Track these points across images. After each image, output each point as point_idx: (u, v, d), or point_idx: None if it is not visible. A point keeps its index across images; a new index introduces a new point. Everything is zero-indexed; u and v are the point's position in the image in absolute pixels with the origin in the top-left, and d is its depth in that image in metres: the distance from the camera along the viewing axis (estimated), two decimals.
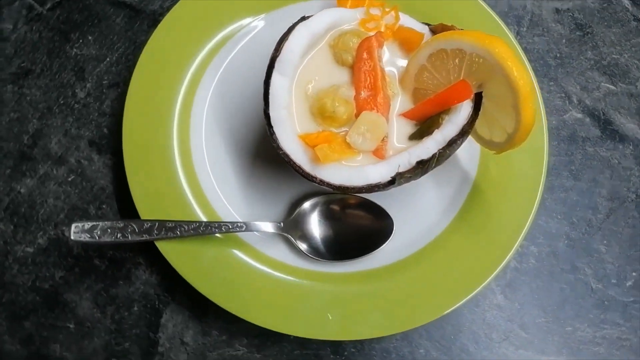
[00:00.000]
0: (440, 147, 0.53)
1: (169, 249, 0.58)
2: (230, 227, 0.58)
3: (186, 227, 0.58)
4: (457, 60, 0.54)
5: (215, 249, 0.59)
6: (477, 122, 0.58)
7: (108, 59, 0.70)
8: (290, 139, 0.55)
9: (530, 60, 0.72)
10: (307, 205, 0.61)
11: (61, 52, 0.70)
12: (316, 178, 0.54)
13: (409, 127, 0.59)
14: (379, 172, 0.54)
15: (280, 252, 0.61)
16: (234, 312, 0.57)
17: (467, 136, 0.55)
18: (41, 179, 0.65)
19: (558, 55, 0.74)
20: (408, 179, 0.53)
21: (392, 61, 0.60)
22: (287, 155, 0.55)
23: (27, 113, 0.67)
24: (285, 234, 0.60)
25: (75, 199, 0.64)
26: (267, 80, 0.56)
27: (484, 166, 0.65)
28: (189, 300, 0.60)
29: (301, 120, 0.58)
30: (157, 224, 0.58)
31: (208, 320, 0.61)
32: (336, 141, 0.56)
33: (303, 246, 0.60)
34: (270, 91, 0.55)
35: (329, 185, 0.54)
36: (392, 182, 0.53)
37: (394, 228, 0.61)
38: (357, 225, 0.61)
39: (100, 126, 0.67)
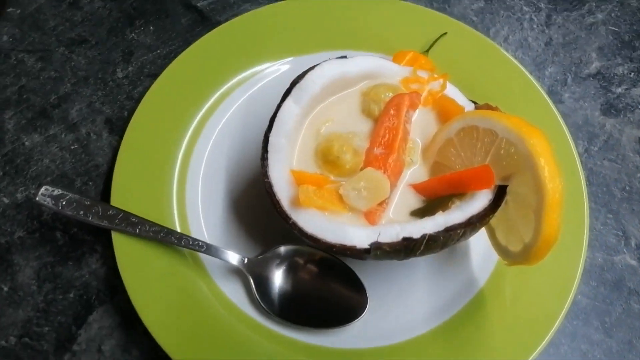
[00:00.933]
0: (435, 231, 0.44)
1: (122, 243, 0.54)
2: (191, 242, 0.53)
3: (147, 228, 0.53)
4: (486, 142, 0.46)
5: (167, 262, 0.54)
6: (496, 223, 0.49)
7: (158, 51, 0.71)
8: (280, 170, 0.50)
9: (590, 184, 0.63)
10: (281, 250, 0.54)
11: (120, 32, 0.72)
12: (290, 218, 0.48)
13: (414, 202, 0.51)
14: (359, 236, 0.46)
15: (235, 291, 0.54)
16: (155, 337, 0.50)
17: (474, 231, 0.46)
18: (48, 138, 0.64)
19: (627, 188, 0.63)
20: (387, 254, 0.45)
21: (422, 129, 0.54)
22: (270, 185, 0.49)
23: (65, 76, 0.68)
24: (246, 272, 0.53)
25: (68, 167, 0.63)
26: (279, 104, 0.52)
27: (497, 278, 0.55)
28: (125, 308, 0.55)
29: (302, 157, 0.53)
30: (122, 214, 0.54)
31: (134, 335, 0.54)
32: (327, 189, 0.50)
33: (260, 293, 0.52)
34: (278, 115, 0.51)
35: (300, 231, 0.47)
36: (367, 251, 0.45)
37: (367, 308, 0.52)
38: (326, 292, 0.53)
39: (124, 108, 0.66)
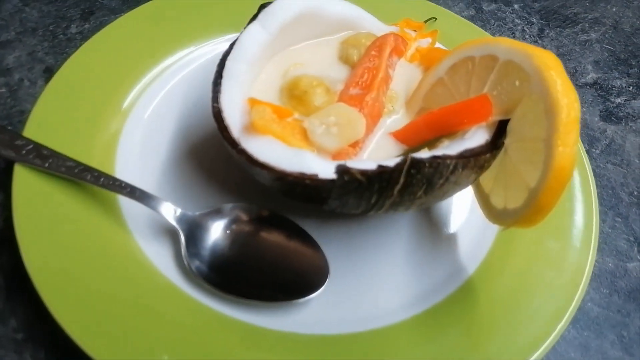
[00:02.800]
0: (419, 157, 0.35)
1: (24, 179, 0.42)
2: (112, 182, 0.42)
3: (60, 163, 0.43)
4: (483, 73, 0.39)
5: (76, 207, 0.42)
6: (490, 186, 0.40)
7: (122, 14, 0.64)
8: (233, 97, 0.41)
9: (598, 185, 0.54)
10: (225, 207, 0.43)
11: None
12: (238, 146, 0.38)
13: (393, 152, 0.42)
14: (322, 167, 0.36)
15: (160, 253, 0.42)
16: (47, 304, 0.37)
17: (466, 173, 0.37)
18: None
19: (635, 193, 0.55)
20: (355, 190, 0.35)
21: (407, 83, 0.47)
22: (218, 111, 0.40)
23: (11, 25, 0.61)
24: (176, 226, 0.41)
25: None
26: (244, 27, 0.44)
27: (489, 270, 0.44)
28: (12, 264, 0.42)
29: (263, 92, 0.44)
30: (32, 145, 0.44)
31: (16, 301, 0.41)
32: (288, 122, 0.41)
33: (193, 257, 0.41)
34: (240, 38, 0.43)
35: (249, 158, 0.37)
36: (332, 182, 0.35)
37: (327, 280, 0.40)
38: (275, 257, 0.41)
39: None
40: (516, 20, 0.72)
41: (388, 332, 0.40)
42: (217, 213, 0.43)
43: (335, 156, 0.40)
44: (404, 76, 0.47)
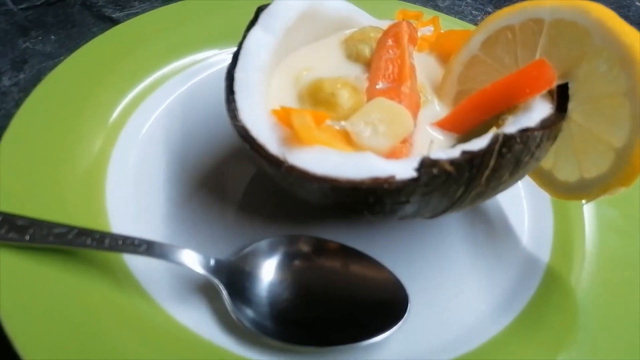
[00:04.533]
0: (500, 134, 0.30)
1: (4, 264, 0.32)
2: (121, 242, 0.33)
3: (46, 231, 0.33)
4: (529, 39, 0.35)
5: (81, 285, 0.33)
6: (552, 162, 0.37)
7: (62, 58, 0.55)
8: (254, 111, 0.34)
9: None
10: (263, 244, 0.36)
11: (10, 43, 0.56)
12: (284, 163, 0.31)
13: (444, 143, 0.37)
14: (394, 166, 0.30)
15: (199, 315, 0.34)
16: None
17: (548, 142, 0.33)
18: None
19: None
20: (444, 182, 0.30)
21: (426, 72, 0.42)
22: (245, 129, 0.33)
23: None
24: (215, 280, 0.33)
25: None
26: (244, 34, 0.38)
27: (562, 244, 0.40)
28: None
29: (278, 102, 0.38)
30: (1, 217, 0.34)
31: None
32: (327, 128, 0.35)
33: (244, 310, 0.33)
34: (245, 46, 0.37)
35: (303, 174, 0.30)
36: (415, 180, 0.29)
37: (409, 307, 0.34)
38: (345, 291, 0.35)
39: (10, 116, 0.48)
40: (474, 12, 0.72)
41: (486, 351, 0.34)
42: (257, 252, 0.35)
43: (389, 156, 0.34)
44: (419, 66, 0.43)
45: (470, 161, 0.29)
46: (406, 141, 0.35)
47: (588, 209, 0.44)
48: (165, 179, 0.42)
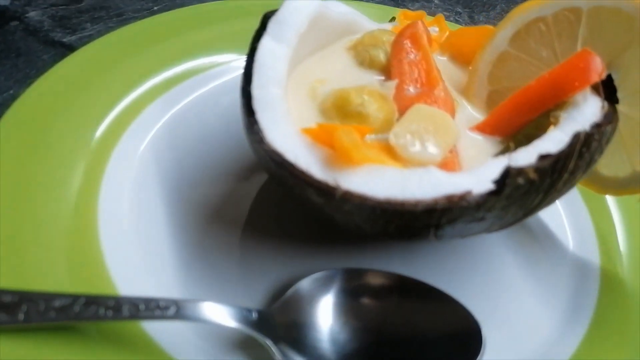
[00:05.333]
0: (581, 132, 0.27)
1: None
2: (145, 307, 0.27)
3: (43, 306, 0.26)
4: (567, 29, 0.33)
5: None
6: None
7: (11, 92, 0.47)
8: (284, 131, 0.29)
9: None
10: (305, 284, 0.31)
11: None
12: (337, 189, 0.26)
13: (488, 147, 0.34)
14: (463, 180, 0.27)
15: None
16: None
17: (612, 135, 0.30)
18: None
19: None
20: (527, 191, 0.26)
21: (443, 74, 0.39)
22: (277, 155, 0.28)
23: None
24: (262, 337, 0.28)
25: None
26: (252, 45, 0.33)
27: (605, 240, 0.38)
28: None
29: (299, 120, 0.33)
30: None
31: None
32: (369, 144, 0.31)
33: None
34: (258, 59, 0.32)
35: (364, 201, 0.26)
36: (497, 192, 0.26)
37: (484, 342, 0.30)
38: (413, 328, 0.30)
39: None
40: (445, 12, 0.71)
41: None
42: (301, 295, 0.30)
43: (442, 166, 0.30)
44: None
45: (554, 166, 0.26)
46: (452, 150, 0.32)
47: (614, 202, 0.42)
48: (168, 217, 0.36)
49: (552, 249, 0.38)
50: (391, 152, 0.30)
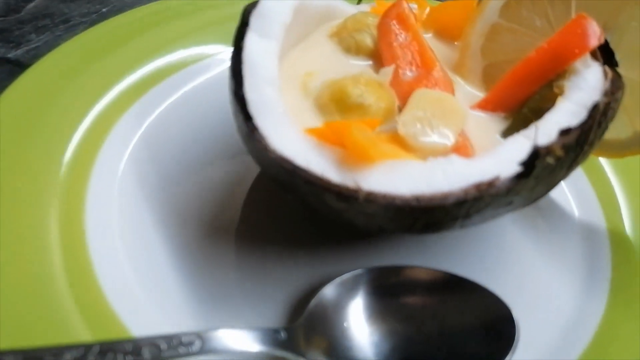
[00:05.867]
0: (599, 102, 0.27)
1: None
2: (166, 347, 0.24)
3: None
4: None
5: None
6: None
7: None
8: (287, 134, 0.27)
9: None
10: (329, 291, 0.29)
11: None
12: (360, 191, 0.25)
13: (493, 124, 0.33)
14: (486, 165, 0.26)
15: None
16: None
17: (620, 102, 0.30)
18: None
19: None
20: (553, 169, 0.26)
21: None
22: (286, 161, 0.26)
23: None
24: (293, 356, 0.26)
25: None
26: (236, 44, 0.30)
27: (611, 208, 0.39)
28: None
29: (300, 119, 0.31)
30: None
31: None
32: (381, 137, 0.29)
33: None
34: (246, 58, 0.29)
35: (389, 200, 0.24)
36: (525, 173, 0.25)
37: (517, 328, 0.29)
38: (444, 322, 0.29)
39: None
40: None
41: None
42: (326, 303, 0.29)
43: (456, 150, 0.29)
44: None
45: (578, 139, 0.25)
46: (462, 133, 0.31)
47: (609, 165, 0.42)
48: (162, 241, 0.33)
49: (559, 219, 0.38)
50: (401, 143, 0.29)
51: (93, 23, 0.54)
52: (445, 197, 0.24)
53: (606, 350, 0.30)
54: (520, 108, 0.32)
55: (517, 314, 0.29)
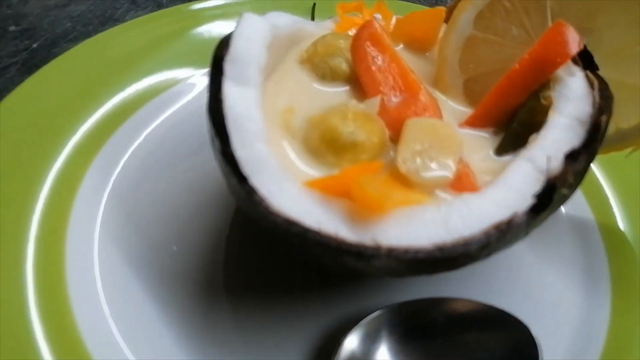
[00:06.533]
0: (597, 119, 0.27)
1: None
2: None
3: None
4: (533, 3, 0.32)
5: None
6: None
7: None
8: (288, 192, 0.26)
9: None
10: (353, 340, 0.28)
11: None
12: (380, 249, 0.24)
13: (484, 142, 0.33)
14: (501, 200, 0.25)
15: None
16: None
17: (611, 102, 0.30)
18: None
19: None
20: (569, 192, 0.25)
21: None
22: (293, 224, 0.24)
23: None
24: None
25: None
26: (214, 96, 0.28)
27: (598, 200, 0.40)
28: None
29: (291, 166, 0.29)
30: None
31: None
32: (384, 179, 0.28)
33: None
34: (227, 113, 0.27)
35: (412, 254, 0.23)
36: (543, 206, 0.24)
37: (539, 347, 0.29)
38: (471, 349, 0.29)
39: None
40: None
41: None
42: (355, 354, 0.27)
43: (455, 183, 0.28)
44: None
45: (586, 164, 0.25)
46: (461, 160, 0.30)
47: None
48: (152, 298, 0.31)
49: (550, 222, 0.39)
50: (402, 179, 0.28)
51: (26, 62, 0.49)
52: (467, 242, 0.23)
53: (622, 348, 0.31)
54: (509, 122, 0.32)
55: (534, 330, 0.29)
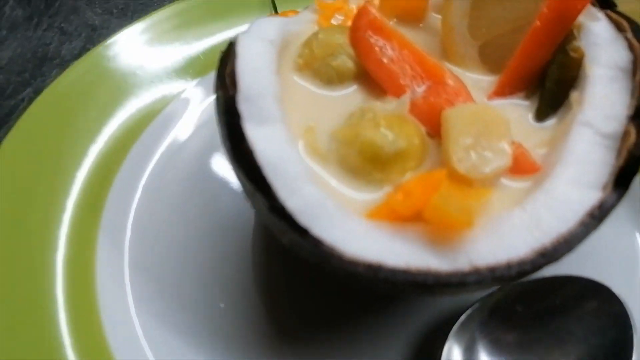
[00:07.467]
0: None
1: None
2: None
3: None
4: None
5: None
6: None
7: None
8: (356, 230, 0.23)
9: None
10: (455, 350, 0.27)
11: None
12: (479, 270, 0.22)
13: (520, 111, 0.31)
14: (570, 180, 0.23)
15: None
16: None
17: None
18: None
19: None
20: None
21: None
22: (376, 269, 0.22)
23: None
24: None
25: None
26: (238, 148, 0.24)
27: None
28: None
29: (342, 197, 0.26)
30: None
31: None
32: (448, 187, 0.25)
33: None
34: (262, 162, 0.24)
35: (519, 268, 0.21)
36: (626, 185, 0.23)
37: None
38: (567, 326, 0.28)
39: None
40: None
41: None
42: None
43: (515, 167, 0.26)
44: None
45: None
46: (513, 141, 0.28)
47: None
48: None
49: None
50: (461, 179, 0.26)
51: None
52: (568, 241, 0.22)
53: None
54: (540, 83, 0.30)
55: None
